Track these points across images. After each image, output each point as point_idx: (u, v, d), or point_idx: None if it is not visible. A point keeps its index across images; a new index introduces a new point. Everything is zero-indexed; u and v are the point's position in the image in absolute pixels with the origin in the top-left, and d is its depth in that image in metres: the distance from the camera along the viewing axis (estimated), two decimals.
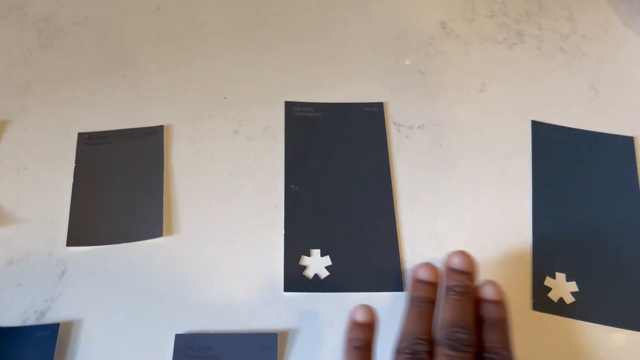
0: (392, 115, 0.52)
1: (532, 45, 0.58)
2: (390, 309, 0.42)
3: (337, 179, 0.48)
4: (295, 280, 0.43)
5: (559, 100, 0.54)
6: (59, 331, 0.40)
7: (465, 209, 0.47)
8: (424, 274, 0.37)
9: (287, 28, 0.59)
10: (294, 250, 0.45)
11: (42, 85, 0.53)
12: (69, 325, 0.41)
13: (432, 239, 0.45)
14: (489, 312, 0.35)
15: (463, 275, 0.36)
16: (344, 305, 0.42)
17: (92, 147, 0.49)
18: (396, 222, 0.46)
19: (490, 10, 0.61)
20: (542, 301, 0.43)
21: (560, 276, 0.44)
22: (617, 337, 0.42)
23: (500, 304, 0.35)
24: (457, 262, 0.36)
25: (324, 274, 0.44)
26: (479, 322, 0.34)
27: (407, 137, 0.51)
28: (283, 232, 0.45)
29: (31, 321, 0.41)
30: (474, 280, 0.36)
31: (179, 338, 0.40)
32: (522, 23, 0.60)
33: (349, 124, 0.52)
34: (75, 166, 0.48)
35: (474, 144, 0.51)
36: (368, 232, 0.46)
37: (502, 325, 0.34)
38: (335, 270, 0.44)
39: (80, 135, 0.50)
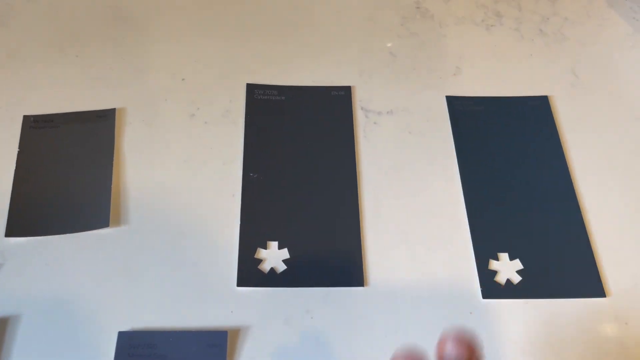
0: (360, 100, 0.50)
1: (510, 27, 0.55)
2: (350, 305, 0.40)
3: (299, 168, 0.46)
4: (250, 274, 0.41)
5: (537, 85, 0.51)
6: None
7: (432, 200, 0.44)
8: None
9: (250, 5, 0.55)
10: (249, 242, 0.42)
11: None
12: (5, 321, 0.38)
13: (396, 232, 0.43)
14: None
15: None
16: (302, 301, 0.40)
17: (37, 130, 0.46)
18: (359, 213, 0.43)
19: None
20: (490, 287, 0.40)
21: (503, 256, 0.42)
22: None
23: None
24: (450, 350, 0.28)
25: (281, 267, 0.41)
26: None
27: (375, 123, 0.48)
28: (239, 222, 0.43)
29: None
30: None
31: (122, 336, 0.38)
32: (501, 3, 0.57)
33: (314, 109, 0.49)
34: (18, 151, 0.45)
35: (445, 131, 0.48)
36: (329, 224, 0.43)
37: None
38: (293, 264, 0.41)
39: (26, 118, 0.47)
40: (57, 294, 0.39)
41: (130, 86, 0.49)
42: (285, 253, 0.42)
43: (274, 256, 0.42)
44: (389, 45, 0.53)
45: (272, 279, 0.41)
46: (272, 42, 0.53)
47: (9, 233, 0.41)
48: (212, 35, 0.53)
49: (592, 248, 0.42)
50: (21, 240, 0.41)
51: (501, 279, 0.41)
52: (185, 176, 0.45)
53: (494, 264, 0.42)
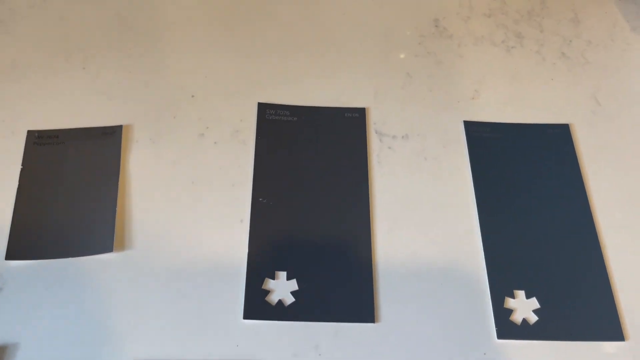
0: (375, 123, 0.48)
1: (531, 49, 0.54)
2: (360, 342, 0.38)
3: (311, 193, 0.44)
4: (257, 306, 0.39)
5: (558, 111, 0.49)
6: None
7: (447, 232, 0.43)
8: None
9: (263, 20, 0.53)
10: (257, 272, 0.41)
11: None
12: (3, 350, 0.37)
13: (409, 265, 0.41)
14: None
15: None
16: (310, 336, 0.38)
17: (42, 147, 0.45)
18: (372, 243, 0.42)
19: (489, 8, 0.56)
20: (505, 327, 0.39)
21: (520, 294, 0.40)
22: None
23: None
24: None
25: (290, 300, 0.40)
26: None
27: (389, 147, 0.47)
28: (247, 250, 0.41)
29: None
30: None
31: None
32: (522, 24, 0.55)
33: (327, 131, 0.47)
34: (21, 168, 0.43)
35: (462, 158, 0.46)
36: (340, 255, 0.41)
37: None
38: (302, 297, 0.40)
39: (30, 133, 0.45)
40: (58, 321, 0.38)
41: (137, 101, 0.48)
42: (294, 284, 0.40)
43: (282, 287, 0.40)
44: (402, 56, 0.51)
45: (279, 312, 0.39)
46: (285, 60, 0.51)
47: (10, 256, 0.40)
48: (222, 51, 0.51)
49: (612, 288, 0.41)
50: (22, 263, 0.40)
51: (517, 318, 0.40)
52: (193, 198, 0.43)
53: (510, 302, 0.40)
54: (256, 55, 0.51)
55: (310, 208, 0.43)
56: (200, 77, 0.49)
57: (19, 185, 0.43)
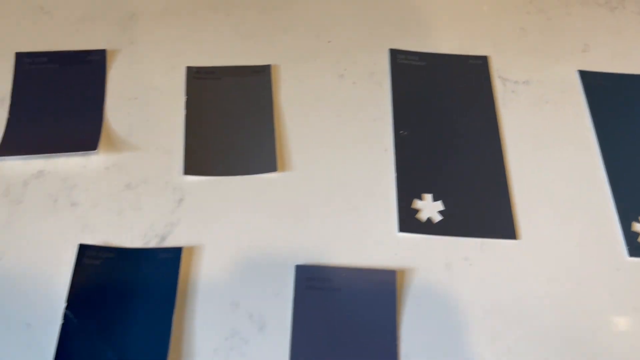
0: (497, 69, 0.52)
1: (633, 10, 0.58)
2: (505, 256, 0.42)
3: (445, 128, 0.48)
4: (409, 222, 0.43)
5: None
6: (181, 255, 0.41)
7: (572, 164, 0.47)
8: None
9: None
10: (406, 194, 0.45)
11: (146, 18, 0.53)
12: (190, 250, 0.41)
13: (542, 191, 0.45)
14: None
15: None
16: (459, 249, 0.43)
17: (201, 81, 0.49)
18: (506, 172, 0.46)
19: None
20: (635, 247, 0.43)
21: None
22: None
23: None
24: None
25: (437, 218, 0.44)
26: None
27: (512, 91, 0.51)
28: (394, 175, 0.45)
29: (152, 244, 0.41)
30: None
31: (299, 269, 0.41)
32: None
33: (454, 75, 0.51)
34: (186, 98, 0.48)
35: (579, 103, 0.50)
36: (479, 181, 0.46)
37: None
38: (447, 215, 0.44)
39: (189, 69, 0.50)
40: (234, 228, 0.42)
41: (279, 46, 0.52)
42: (439, 205, 0.44)
43: (429, 207, 0.44)
44: (513, 19, 0.55)
45: (430, 228, 0.43)
46: (412, 11, 0.55)
47: (187, 172, 0.44)
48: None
49: None
50: (197, 179, 0.44)
51: None
52: (339, 130, 0.48)
53: (636, 226, 0.44)
54: (385, 7, 0.55)
55: (447, 139, 0.47)
56: (333, 24, 0.54)
57: (187, 112, 0.47)
